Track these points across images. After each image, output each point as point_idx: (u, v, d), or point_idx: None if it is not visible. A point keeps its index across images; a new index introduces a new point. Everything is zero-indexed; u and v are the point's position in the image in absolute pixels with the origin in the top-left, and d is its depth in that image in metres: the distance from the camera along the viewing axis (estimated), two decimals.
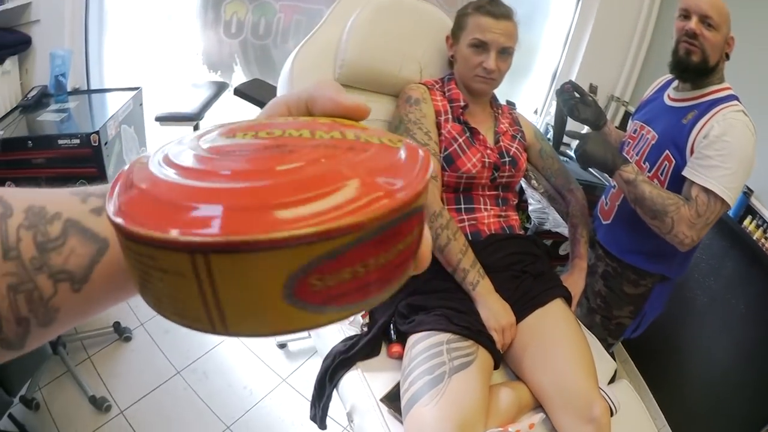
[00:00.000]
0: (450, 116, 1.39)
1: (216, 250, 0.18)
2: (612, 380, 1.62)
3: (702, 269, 2.53)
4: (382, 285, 0.22)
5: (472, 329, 1.21)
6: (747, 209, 2.31)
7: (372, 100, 1.50)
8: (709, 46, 1.38)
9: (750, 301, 2.29)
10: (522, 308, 1.33)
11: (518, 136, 1.50)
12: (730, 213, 2.31)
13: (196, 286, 0.19)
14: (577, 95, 1.65)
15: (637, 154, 1.57)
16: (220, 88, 2.01)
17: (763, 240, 2.24)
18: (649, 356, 2.81)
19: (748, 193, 2.29)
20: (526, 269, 1.40)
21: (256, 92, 1.76)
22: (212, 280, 0.18)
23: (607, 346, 1.80)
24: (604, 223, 1.71)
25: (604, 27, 2.59)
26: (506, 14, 1.37)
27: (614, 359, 2.77)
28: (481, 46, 1.35)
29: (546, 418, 1.26)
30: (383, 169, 0.21)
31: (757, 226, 2.27)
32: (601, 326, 1.77)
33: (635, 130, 1.62)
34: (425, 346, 1.17)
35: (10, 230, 0.27)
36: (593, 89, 2.64)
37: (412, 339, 1.22)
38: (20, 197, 0.28)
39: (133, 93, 2.14)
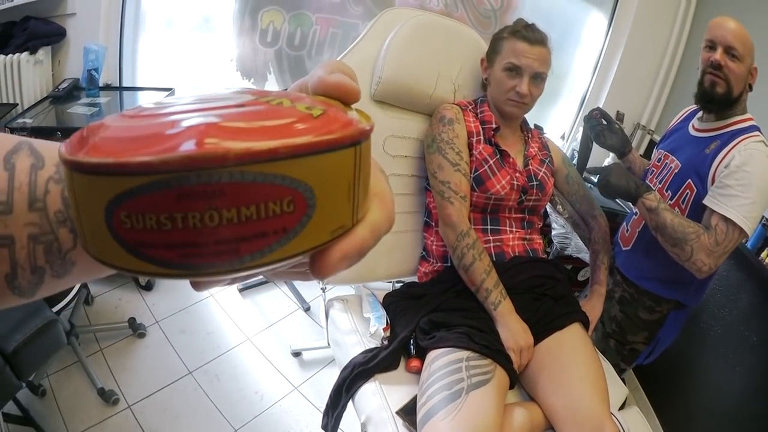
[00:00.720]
0: (482, 137, 1.42)
1: (71, 168, 0.19)
2: (623, 406, 1.62)
3: (717, 300, 2.52)
4: (201, 254, 0.19)
5: (492, 348, 1.23)
6: (765, 241, 2.31)
7: (406, 118, 1.53)
8: (733, 77, 1.40)
9: (763, 333, 2.28)
10: (540, 330, 1.35)
11: (546, 161, 1.52)
12: (748, 244, 2.32)
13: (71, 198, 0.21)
14: (604, 122, 1.68)
15: (660, 183, 1.59)
16: None
17: None
18: (660, 385, 2.79)
19: (766, 224, 2.29)
20: (546, 292, 1.42)
21: None
22: (73, 194, 0.20)
23: (620, 371, 1.79)
24: (623, 249, 1.73)
25: (632, 55, 2.61)
26: (541, 40, 1.39)
27: (625, 385, 2.77)
28: (515, 70, 1.37)
29: None
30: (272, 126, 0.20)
31: None
32: (615, 351, 1.77)
33: (659, 159, 1.64)
34: (445, 362, 1.18)
35: (39, 181, 0.27)
36: (620, 117, 2.66)
37: (432, 354, 1.23)
38: (53, 150, 0.28)
39: (165, 94, 2.17)
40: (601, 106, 2.53)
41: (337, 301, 1.53)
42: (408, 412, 1.20)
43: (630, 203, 1.47)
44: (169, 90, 2.20)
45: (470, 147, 1.40)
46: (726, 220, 1.34)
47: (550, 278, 1.44)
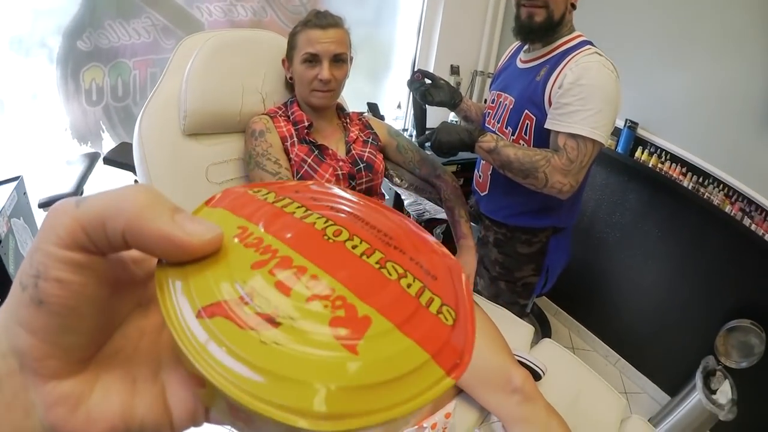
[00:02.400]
0: (296, 139, 1.41)
1: None
2: (535, 343, 1.67)
3: (605, 209, 2.65)
4: None
5: None
6: (636, 141, 2.42)
7: (224, 142, 1.51)
8: (551, 1, 1.40)
9: (662, 223, 2.41)
10: None
11: (370, 140, 1.53)
12: (619, 149, 2.43)
13: None
14: (427, 81, 1.68)
15: (498, 122, 1.59)
16: (92, 159, 1.99)
17: (659, 165, 2.35)
18: (583, 303, 2.92)
19: (632, 126, 2.40)
20: None
21: (125, 156, 1.75)
22: None
23: (521, 308, 1.84)
24: (482, 194, 1.74)
25: (455, 7, 2.63)
26: (334, 23, 1.39)
27: (542, 315, 2.88)
28: (313, 59, 1.37)
29: (459, 403, 1.30)
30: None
31: (650, 154, 2.37)
32: (507, 291, 1.79)
33: (493, 100, 1.65)
34: None
35: None
36: (455, 69, 2.71)
37: None
38: None
39: (14, 183, 2.09)
40: (433, 64, 2.58)
41: None
42: None
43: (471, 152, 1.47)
44: (16, 179, 2.11)
45: (287, 152, 1.40)
46: (574, 136, 1.34)
47: None
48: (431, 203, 1.76)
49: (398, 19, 2.70)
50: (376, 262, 0.25)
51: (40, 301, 0.22)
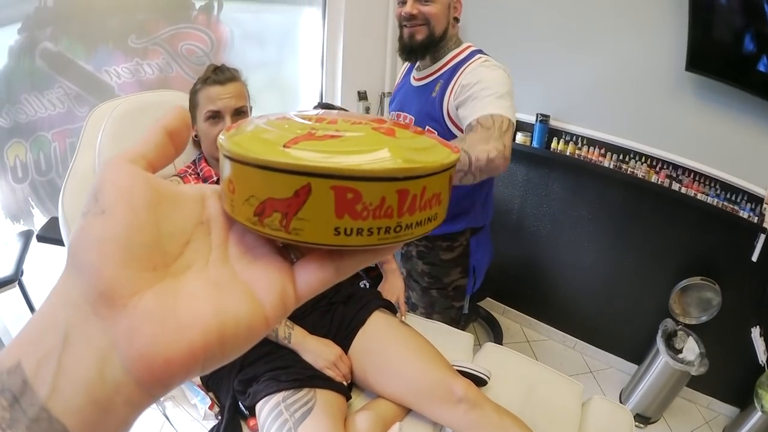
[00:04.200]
0: None
1: None
2: (477, 350, 1.71)
3: (531, 203, 2.71)
4: None
5: (302, 378, 1.26)
6: (550, 133, 2.48)
7: None
8: (432, 18, 1.43)
9: (591, 205, 2.48)
10: (345, 336, 1.39)
11: None
12: (535, 144, 2.49)
13: None
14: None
15: None
16: (27, 237, 1.99)
17: (577, 151, 2.41)
18: (528, 297, 2.97)
19: (544, 119, 2.46)
20: (332, 300, 1.46)
21: (57, 232, 1.75)
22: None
23: (458, 311, 1.88)
24: None
25: (355, 34, 2.66)
26: (231, 77, 1.42)
27: (490, 317, 2.91)
28: (215, 116, 1.39)
29: (407, 421, 1.34)
30: None
31: (566, 143, 2.44)
32: (441, 297, 1.83)
33: (394, 118, 1.67)
34: (267, 411, 1.23)
35: None
36: (362, 95, 2.74)
37: (257, 409, 1.27)
38: None
39: None
40: (339, 93, 2.60)
41: (167, 401, 1.55)
42: None
43: None
44: None
45: None
46: (483, 116, 1.31)
47: (330, 287, 1.49)
48: None
49: (300, 54, 2.72)
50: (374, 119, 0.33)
51: (102, 211, 0.25)
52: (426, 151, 0.29)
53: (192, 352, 0.24)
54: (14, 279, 1.83)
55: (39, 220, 2.16)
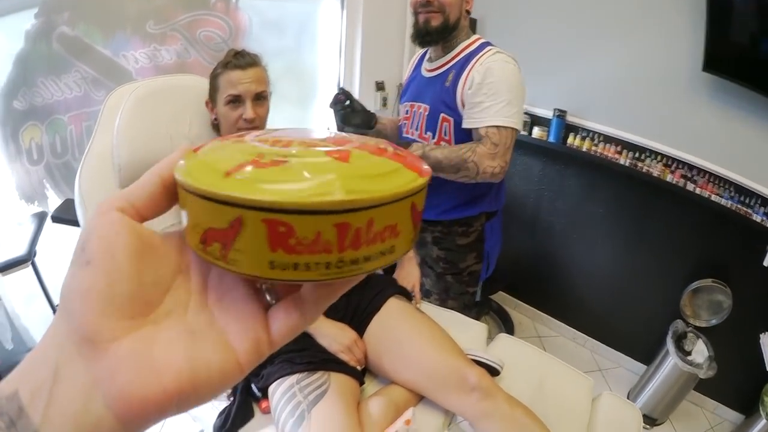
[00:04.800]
0: None
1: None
2: (491, 340, 1.71)
3: (548, 198, 2.71)
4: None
5: (316, 361, 1.27)
6: (567, 128, 2.47)
7: None
8: (447, 6, 1.49)
9: (606, 202, 2.47)
10: (360, 321, 1.40)
11: None
12: (551, 138, 2.48)
13: None
14: (348, 103, 1.74)
15: (417, 129, 1.67)
16: (41, 218, 2.00)
17: (593, 148, 2.41)
18: (541, 292, 2.97)
19: (561, 114, 2.46)
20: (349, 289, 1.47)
21: (72, 213, 1.75)
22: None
23: (471, 296, 1.90)
24: None
25: (374, 24, 2.67)
26: (252, 62, 1.42)
27: (502, 311, 2.92)
28: (236, 100, 1.40)
29: (419, 408, 1.34)
30: None
31: (583, 138, 2.43)
32: (456, 283, 1.85)
33: (407, 111, 1.72)
34: (281, 393, 1.23)
35: None
36: (380, 85, 2.75)
37: (270, 391, 1.28)
38: None
39: None
40: (358, 83, 2.61)
41: None
42: None
43: None
44: None
45: None
46: (493, 126, 1.44)
47: None
48: None
49: (319, 43, 2.72)
50: (343, 139, 0.31)
51: (87, 262, 0.26)
52: (382, 178, 0.27)
53: (166, 394, 0.26)
54: (27, 259, 1.84)
55: (53, 203, 2.17)
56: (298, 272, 0.26)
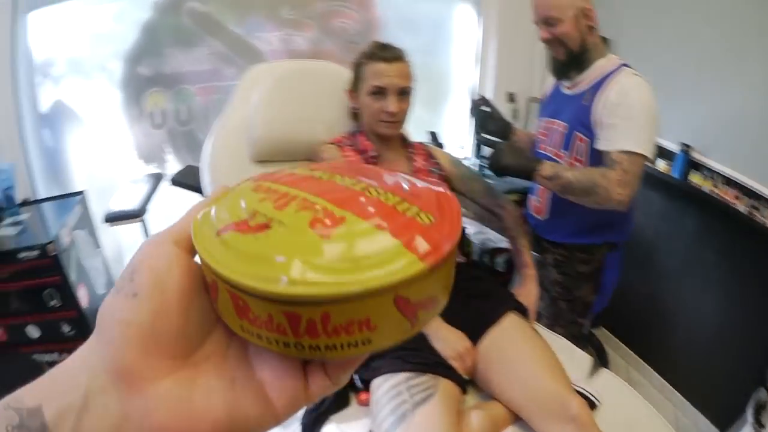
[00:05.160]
0: None
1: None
2: (593, 373, 1.66)
3: (665, 235, 2.61)
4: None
5: (428, 363, 1.25)
6: (691, 165, 2.39)
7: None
8: (564, 37, 1.49)
9: (719, 249, 2.37)
10: (476, 331, 1.36)
11: (435, 170, 1.56)
12: (675, 173, 2.40)
13: None
14: (488, 110, 1.73)
15: (552, 146, 1.64)
16: (156, 180, 2.07)
17: (715, 190, 2.32)
18: (640, 334, 2.86)
19: (687, 150, 2.38)
20: (472, 293, 1.44)
21: (192, 179, 1.81)
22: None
23: (579, 327, 1.86)
24: (540, 219, 1.76)
25: (509, 33, 2.64)
26: (398, 56, 1.44)
27: (601, 348, 2.83)
28: (380, 92, 1.41)
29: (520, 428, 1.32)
30: None
31: (705, 178, 2.34)
32: (567, 310, 1.81)
33: (545, 127, 1.70)
34: (386, 389, 1.21)
35: None
36: (512, 97, 2.72)
37: (374, 384, 1.26)
38: None
39: (78, 198, 2.17)
40: (489, 92, 2.60)
41: None
42: None
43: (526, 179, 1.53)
44: (80, 193, 2.20)
45: None
46: (624, 152, 1.41)
47: (470, 279, 1.48)
48: (494, 232, 1.77)
49: (453, 46, 2.71)
50: (362, 188, 0.29)
51: (135, 294, 0.25)
52: (359, 264, 0.23)
53: None
54: (139, 214, 1.90)
55: (170, 167, 2.25)
56: (263, 342, 0.25)
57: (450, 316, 1.35)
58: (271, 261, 0.23)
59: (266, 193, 0.28)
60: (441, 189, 0.31)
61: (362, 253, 0.23)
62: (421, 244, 0.24)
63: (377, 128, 1.47)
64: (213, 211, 0.28)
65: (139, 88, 2.26)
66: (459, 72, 2.75)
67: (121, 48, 2.25)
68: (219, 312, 0.27)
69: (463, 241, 1.87)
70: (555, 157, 1.62)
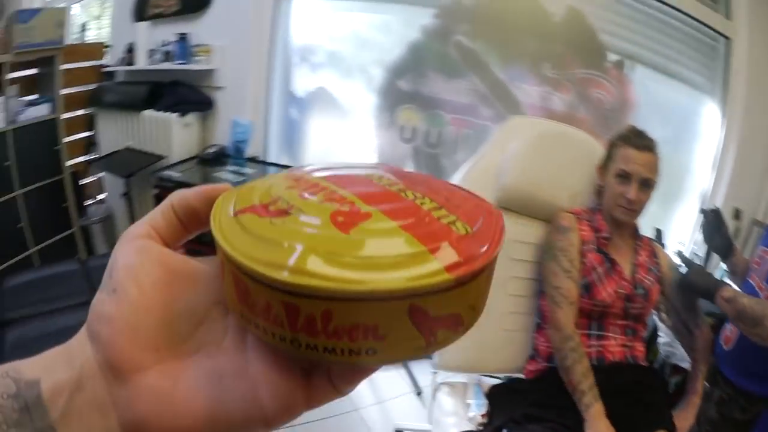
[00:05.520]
0: (593, 246, 1.49)
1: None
2: None
3: None
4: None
5: None
6: None
7: (524, 224, 1.64)
8: None
9: None
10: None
11: (654, 269, 1.56)
12: None
13: None
14: (716, 224, 1.68)
15: (759, 278, 1.54)
16: None
17: None
18: None
19: None
20: (639, 398, 1.44)
21: None
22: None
23: None
24: (725, 348, 1.65)
25: (749, 144, 2.46)
26: (649, 146, 1.49)
27: None
28: (625, 176, 1.46)
29: None
30: None
31: None
32: None
33: (761, 256, 1.60)
34: None
35: None
36: (738, 213, 2.53)
37: None
38: None
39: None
40: (721, 203, 2.45)
41: (445, 385, 1.65)
42: None
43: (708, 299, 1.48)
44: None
45: (582, 254, 1.49)
46: None
47: (645, 385, 1.47)
48: (682, 350, 1.73)
49: (695, 144, 2.60)
50: (400, 190, 0.27)
51: (113, 290, 0.26)
52: (379, 262, 0.21)
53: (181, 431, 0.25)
54: None
55: None
56: (260, 332, 0.24)
57: (612, 413, 1.36)
58: (279, 247, 0.22)
59: (296, 181, 0.28)
60: (489, 203, 0.29)
61: (380, 252, 0.22)
62: (450, 254, 0.22)
63: (614, 211, 1.51)
64: (238, 193, 0.28)
65: (395, 99, 2.46)
66: (695, 172, 2.64)
67: (384, 58, 2.45)
68: (224, 294, 0.26)
69: (652, 347, 1.83)
70: (757, 289, 1.53)
